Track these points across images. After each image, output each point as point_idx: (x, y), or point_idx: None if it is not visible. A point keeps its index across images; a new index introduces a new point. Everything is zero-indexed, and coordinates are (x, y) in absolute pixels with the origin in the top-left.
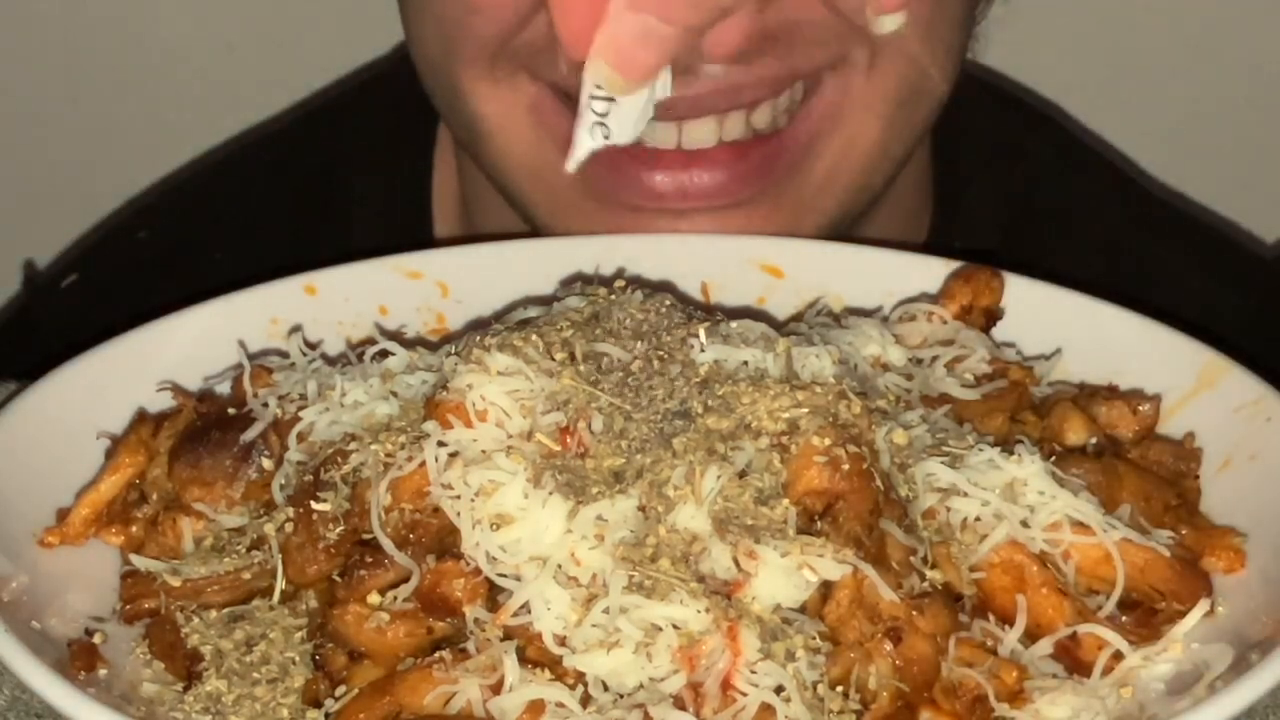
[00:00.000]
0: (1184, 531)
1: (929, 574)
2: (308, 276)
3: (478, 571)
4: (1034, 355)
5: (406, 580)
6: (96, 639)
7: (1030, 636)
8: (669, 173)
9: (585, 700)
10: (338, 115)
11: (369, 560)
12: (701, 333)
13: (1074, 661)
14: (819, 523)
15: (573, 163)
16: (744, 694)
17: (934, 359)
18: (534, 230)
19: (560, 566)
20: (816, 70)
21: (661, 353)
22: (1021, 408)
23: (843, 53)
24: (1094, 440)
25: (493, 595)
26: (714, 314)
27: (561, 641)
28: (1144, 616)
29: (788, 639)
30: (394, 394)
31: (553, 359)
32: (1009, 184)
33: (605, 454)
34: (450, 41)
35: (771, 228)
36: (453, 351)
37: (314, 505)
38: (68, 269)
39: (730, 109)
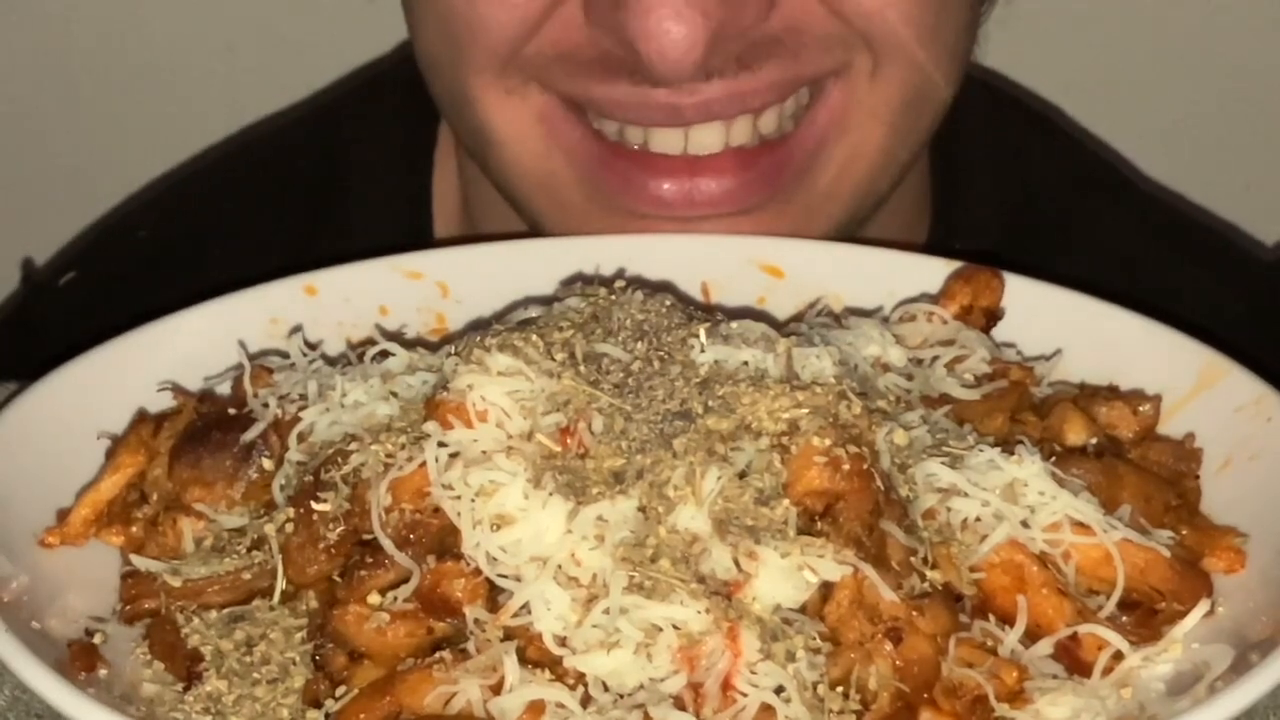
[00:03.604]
0: (1184, 532)
1: (929, 574)
2: (308, 276)
3: (478, 572)
4: (1034, 355)
5: (407, 580)
6: (96, 639)
7: (1030, 637)
8: (675, 180)
9: (585, 701)
10: (338, 115)
11: (369, 560)
12: (702, 333)
13: (1074, 662)
14: (819, 523)
15: None
16: (744, 694)
17: (934, 359)
18: (536, 232)
19: (560, 567)
20: (821, 75)
21: (662, 353)
22: (1022, 408)
23: (847, 58)
24: (1094, 440)
25: (493, 596)
26: (714, 314)
27: (562, 642)
28: (1144, 617)
29: (788, 639)
30: (394, 394)
31: (553, 359)
32: (1008, 185)
33: (605, 455)
34: (458, 50)
35: (779, 234)
36: (453, 352)
37: (314, 505)
38: (66, 267)
39: (737, 114)
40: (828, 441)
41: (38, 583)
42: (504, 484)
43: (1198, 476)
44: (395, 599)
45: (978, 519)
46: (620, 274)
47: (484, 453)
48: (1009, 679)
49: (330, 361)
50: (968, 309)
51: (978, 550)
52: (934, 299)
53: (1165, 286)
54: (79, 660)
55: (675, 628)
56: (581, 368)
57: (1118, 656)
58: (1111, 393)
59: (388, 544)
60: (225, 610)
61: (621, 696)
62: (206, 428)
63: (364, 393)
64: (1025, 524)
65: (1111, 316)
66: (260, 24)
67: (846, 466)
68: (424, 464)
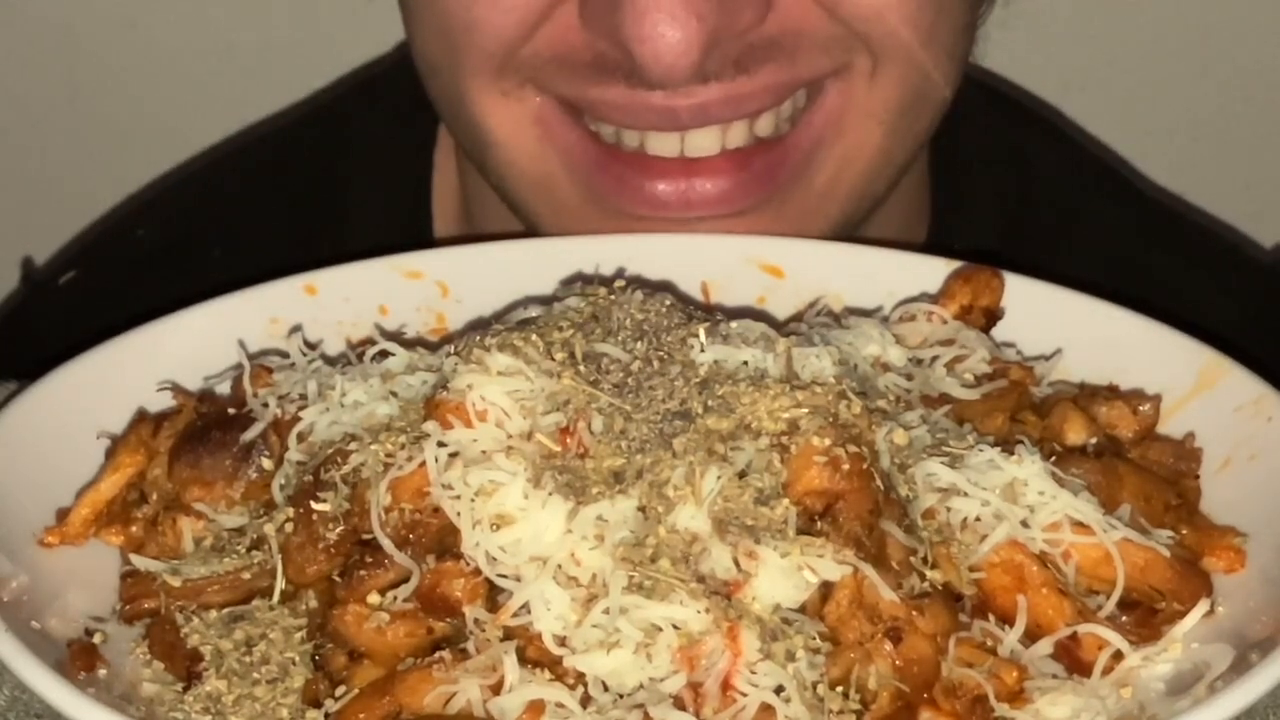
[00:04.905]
0: (1184, 531)
1: (929, 574)
2: (308, 276)
3: (478, 572)
4: (1034, 355)
5: (406, 580)
6: (96, 639)
7: (1030, 636)
8: (671, 182)
9: (585, 700)
10: (338, 115)
11: (369, 560)
12: (701, 333)
13: (1074, 661)
14: (819, 523)
15: None
16: (744, 694)
17: (934, 359)
18: (533, 233)
19: (560, 567)
20: (819, 78)
21: (661, 353)
22: (1021, 408)
23: (845, 61)
24: (1094, 440)
25: (493, 595)
26: (714, 314)
27: (561, 642)
28: (1144, 616)
29: (788, 639)
30: (394, 394)
31: (553, 359)
32: (1007, 187)
33: (605, 454)
34: (455, 52)
35: (776, 235)
36: (453, 351)
37: (314, 505)
38: (66, 266)
39: (733, 118)
40: (827, 441)
41: (38, 583)
42: (504, 484)
43: (1198, 476)
44: (395, 599)
45: (978, 519)
46: (620, 274)
47: (484, 452)
48: (1009, 679)
49: (330, 361)
50: (967, 309)
51: (978, 550)
52: (934, 299)
53: (1164, 287)
54: (79, 660)
55: (675, 627)
56: (581, 367)
57: (1118, 656)
58: (1111, 392)
59: (387, 544)
60: (225, 610)
61: (621, 696)
62: (206, 428)
63: (364, 393)
64: (1025, 524)
65: (1111, 316)
66: (260, 24)
67: (846, 466)
68: (424, 464)
